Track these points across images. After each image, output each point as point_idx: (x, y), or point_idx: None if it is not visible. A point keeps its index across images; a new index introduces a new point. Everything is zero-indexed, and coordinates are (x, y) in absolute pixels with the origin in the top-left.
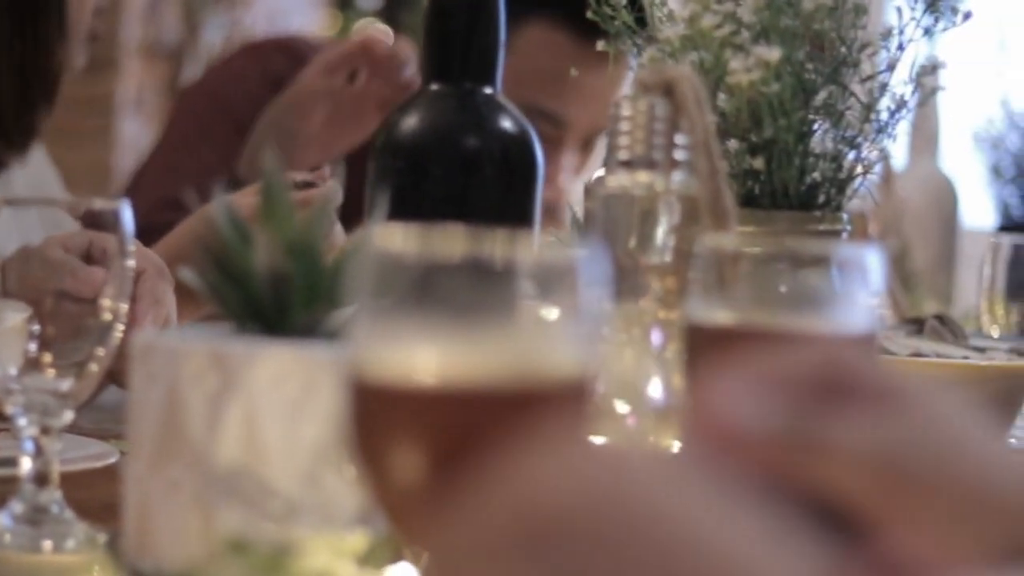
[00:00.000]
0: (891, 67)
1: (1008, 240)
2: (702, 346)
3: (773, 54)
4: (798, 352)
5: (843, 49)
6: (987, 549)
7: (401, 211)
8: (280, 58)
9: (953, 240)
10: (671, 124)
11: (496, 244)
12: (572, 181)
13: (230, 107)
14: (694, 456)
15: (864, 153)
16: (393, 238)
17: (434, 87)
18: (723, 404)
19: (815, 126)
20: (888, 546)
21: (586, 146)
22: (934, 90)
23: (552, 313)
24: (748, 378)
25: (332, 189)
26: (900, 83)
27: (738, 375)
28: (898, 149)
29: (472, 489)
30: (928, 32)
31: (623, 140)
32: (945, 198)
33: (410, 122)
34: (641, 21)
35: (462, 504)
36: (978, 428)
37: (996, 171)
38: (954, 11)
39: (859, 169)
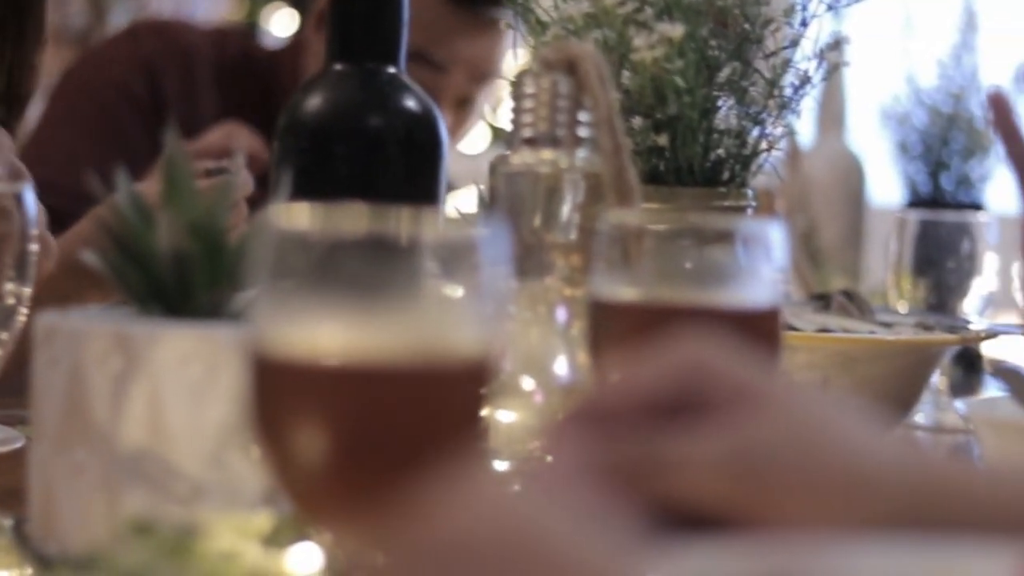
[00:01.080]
0: (794, 43)
1: (914, 216)
2: (607, 323)
3: (676, 31)
4: (657, 360)
5: (746, 25)
6: (852, 530)
7: (305, 191)
8: (152, 42)
9: (860, 216)
10: (574, 101)
11: (398, 222)
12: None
13: (95, 92)
14: (566, 489)
15: (768, 129)
16: (295, 217)
17: (337, 67)
18: (570, 445)
19: (719, 103)
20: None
21: (462, 105)
22: (838, 66)
23: (455, 291)
24: (595, 410)
25: (244, 178)
26: (804, 59)
27: (586, 409)
28: (805, 126)
29: (389, 510)
30: (832, 8)
31: (527, 118)
32: (852, 175)
33: (313, 102)
34: None
35: (382, 526)
36: (844, 418)
37: (903, 148)
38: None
39: (763, 145)
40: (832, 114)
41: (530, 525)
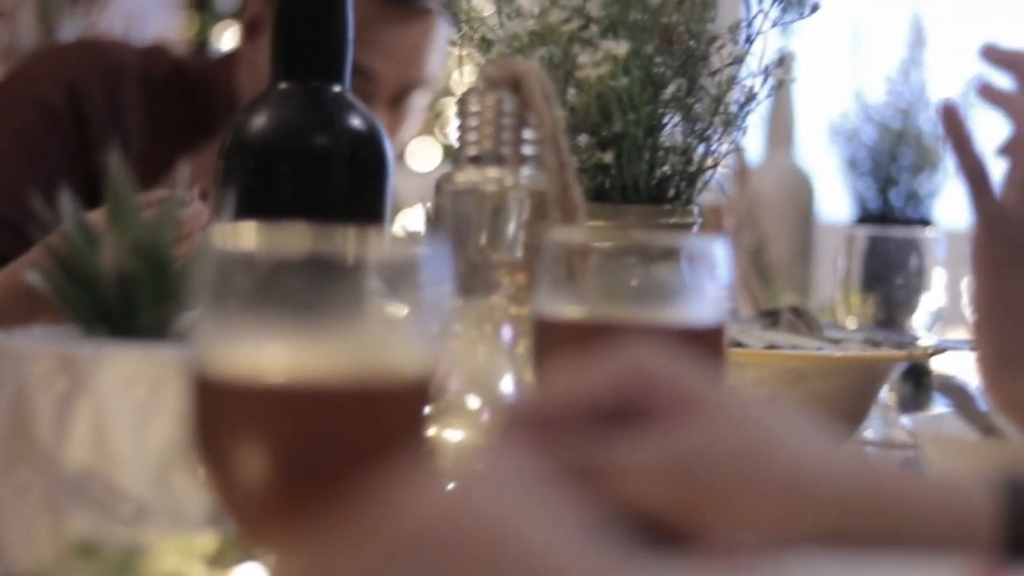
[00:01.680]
0: (739, 60)
1: (863, 232)
2: (551, 341)
3: (621, 48)
4: (601, 367)
5: (692, 42)
6: (796, 537)
7: (250, 211)
8: (78, 60)
9: (809, 232)
10: (519, 119)
11: (340, 242)
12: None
13: (16, 110)
14: (525, 476)
15: (714, 146)
16: (237, 237)
17: (282, 86)
18: (514, 451)
19: (665, 120)
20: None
21: (396, 104)
22: (783, 83)
23: (397, 310)
24: (538, 416)
25: (198, 210)
26: (750, 76)
27: (529, 415)
28: (753, 142)
29: (337, 510)
30: (777, 25)
31: (471, 136)
32: (801, 191)
33: (258, 121)
34: None
35: (329, 527)
36: (788, 426)
37: (852, 163)
38: (802, 3)
39: (709, 162)
40: (781, 130)
41: (489, 519)
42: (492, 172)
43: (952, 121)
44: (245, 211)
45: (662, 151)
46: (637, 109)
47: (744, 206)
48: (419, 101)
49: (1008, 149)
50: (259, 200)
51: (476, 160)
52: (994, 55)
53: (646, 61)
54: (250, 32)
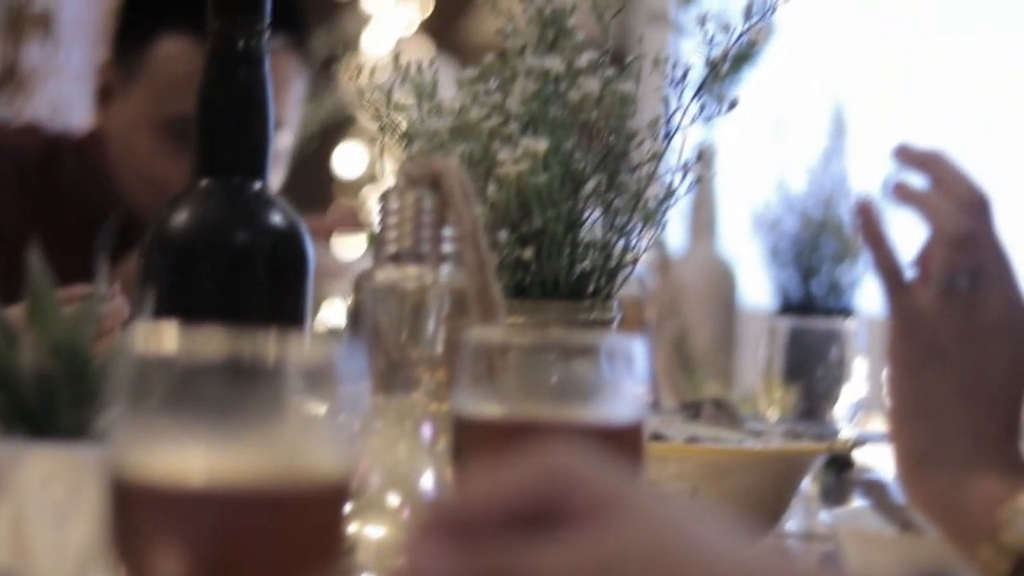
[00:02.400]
0: (658, 156)
1: (784, 323)
2: (470, 439)
3: (540, 145)
4: (517, 468)
5: (611, 138)
6: None
7: (171, 309)
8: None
9: (732, 322)
10: (439, 217)
11: (257, 345)
12: None
13: None
14: None
15: (634, 241)
16: (155, 339)
17: (204, 182)
18: (429, 555)
19: (584, 215)
20: None
21: None
22: (701, 178)
23: (315, 411)
24: (453, 519)
25: (118, 305)
26: (669, 172)
27: (445, 517)
28: (676, 232)
29: None
30: (696, 120)
31: (391, 234)
32: (724, 280)
33: (179, 218)
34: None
35: None
36: (706, 526)
37: (774, 253)
38: (720, 99)
39: (629, 257)
40: (703, 220)
41: None
42: (412, 270)
43: (868, 218)
44: (166, 309)
45: (582, 247)
46: (557, 205)
47: (667, 296)
48: (278, 144)
49: (923, 251)
50: (180, 298)
51: (396, 258)
52: (907, 155)
53: (566, 157)
54: (104, 99)
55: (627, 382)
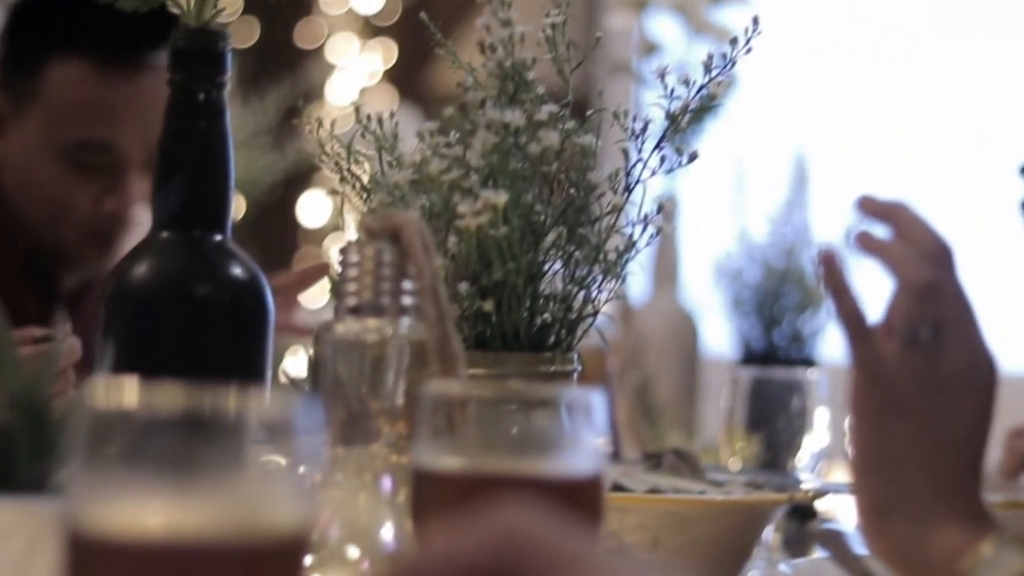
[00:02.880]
0: (618, 209)
1: (746, 373)
2: (430, 492)
3: (500, 198)
4: (474, 530)
5: (572, 191)
6: None
7: (130, 361)
8: None
9: (695, 372)
10: (399, 270)
11: (216, 398)
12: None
13: None
14: None
15: (595, 293)
16: (113, 393)
17: (163, 234)
18: None
19: (545, 267)
20: None
21: (150, 167)
22: (660, 230)
23: (274, 465)
24: None
25: (70, 346)
26: (630, 224)
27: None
28: (639, 281)
29: None
30: (657, 172)
31: (351, 286)
32: (686, 330)
33: (139, 270)
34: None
35: None
36: None
37: (736, 303)
38: (680, 151)
39: (590, 309)
40: (666, 270)
41: None
42: (372, 322)
43: (831, 268)
44: (126, 361)
45: (542, 299)
46: (517, 258)
47: (629, 346)
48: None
49: (886, 301)
50: (140, 350)
51: (356, 310)
52: (870, 206)
53: (526, 210)
54: None
55: (587, 434)
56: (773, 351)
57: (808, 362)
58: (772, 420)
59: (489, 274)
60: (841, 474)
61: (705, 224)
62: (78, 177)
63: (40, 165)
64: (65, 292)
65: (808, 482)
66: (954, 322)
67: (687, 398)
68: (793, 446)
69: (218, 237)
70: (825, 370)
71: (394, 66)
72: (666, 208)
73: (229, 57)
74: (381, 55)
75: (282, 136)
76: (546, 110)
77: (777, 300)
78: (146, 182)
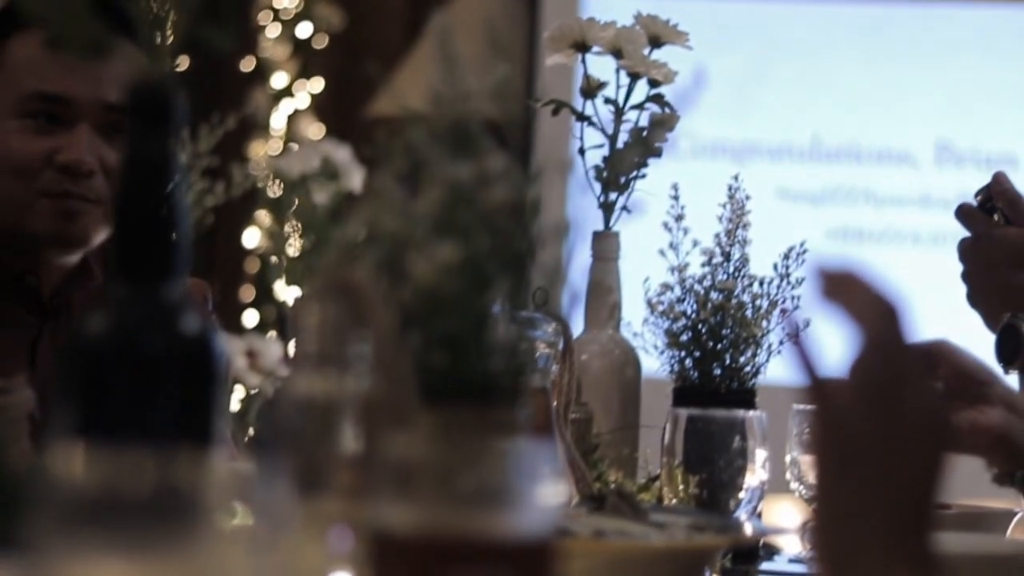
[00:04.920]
0: (567, 259)
1: (685, 413)
2: (385, 551)
3: (453, 254)
4: None
5: (522, 242)
6: None
7: (85, 417)
8: None
9: (635, 407)
10: (351, 324)
11: (174, 466)
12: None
13: None
14: None
15: (540, 332)
16: (73, 461)
17: (117, 285)
18: None
19: (493, 317)
20: None
21: (112, 132)
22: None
23: (232, 526)
24: None
25: (26, 397)
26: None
27: None
28: (577, 318)
29: None
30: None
31: (306, 341)
32: (625, 365)
33: (90, 324)
34: None
35: None
36: None
37: (673, 337)
38: (627, 210)
39: (539, 351)
40: (605, 305)
41: None
42: (325, 376)
43: (794, 333)
44: (80, 417)
45: (491, 348)
46: (468, 310)
47: (571, 382)
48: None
49: (846, 357)
50: (94, 405)
51: (310, 365)
52: (824, 279)
53: (478, 260)
54: None
55: (536, 488)
56: (710, 384)
57: (746, 393)
58: (712, 459)
59: (439, 326)
60: (779, 510)
61: (642, 258)
62: (33, 134)
63: (1, 125)
64: (48, 301)
65: (749, 523)
66: (909, 378)
67: (626, 435)
68: (733, 485)
69: (171, 288)
70: (762, 407)
71: (324, 92)
72: (605, 244)
73: (183, 110)
74: (318, 82)
75: (226, 160)
76: (494, 164)
77: (714, 335)
78: (100, 143)
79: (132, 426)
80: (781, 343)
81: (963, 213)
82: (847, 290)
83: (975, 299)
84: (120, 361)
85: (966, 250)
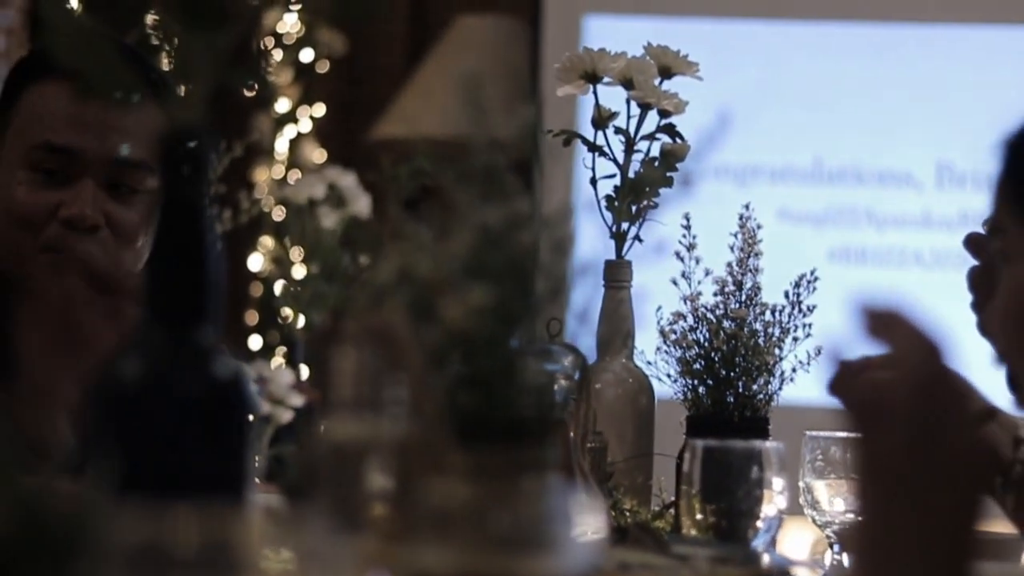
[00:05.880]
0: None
1: (702, 443)
2: None
3: (485, 298)
4: None
5: (545, 284)
6: None
7: (121, 462)
8: None
9: (650, 436)
10: (386, 368)
11: (217, 519)
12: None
13: None
14: None
15: (559, 365)
16: (119, 514)
17: (150, 330)
18: None
19: (523, 358)
20: None
21: (117, 187)
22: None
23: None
24: None
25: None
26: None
27: None
28: (590, 346)
29: None
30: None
31: (341, 386)
32: (639, 394)
33: (123, 367)
34: None
35: None
36: None
37: (686, 365)
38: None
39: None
40: (618, 334)
41: None
42: (361, 420)
43: (839, 371)
44: (117, 462)
45: (521, 389)
46: (497, 350)
47: (587, 412)
48: (151, 184)
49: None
50: (131, 450)
51: (347, 409)
52: (868, 318)
53: (507, 303)
54: None
55: (572, 526)
56: (724, 413)
57: (760, 421)
58: (730, 489)
59: (471, 368)
60: (792, 535)
61: (655, 287)
62: (40, 186)
63: (6, 176)
64: None
65: (767, 554)
66: (952, 415)
67: (641, 462)
68: (751, 514)
69: (203, 335)
70: (777, 436)
71: (324, 120)
72: (617, 272)
73: (214, 160)
74: (320, 107)
75: (233, 186)
76: (524, 207)
77: (727, 363)
78: (106, 198)
79: (168, 471)
80: (794, 371)
81: (971, 242)
82: (891, 328)
83: (987, 329)
84: (155, 405)
85: (975, 279)
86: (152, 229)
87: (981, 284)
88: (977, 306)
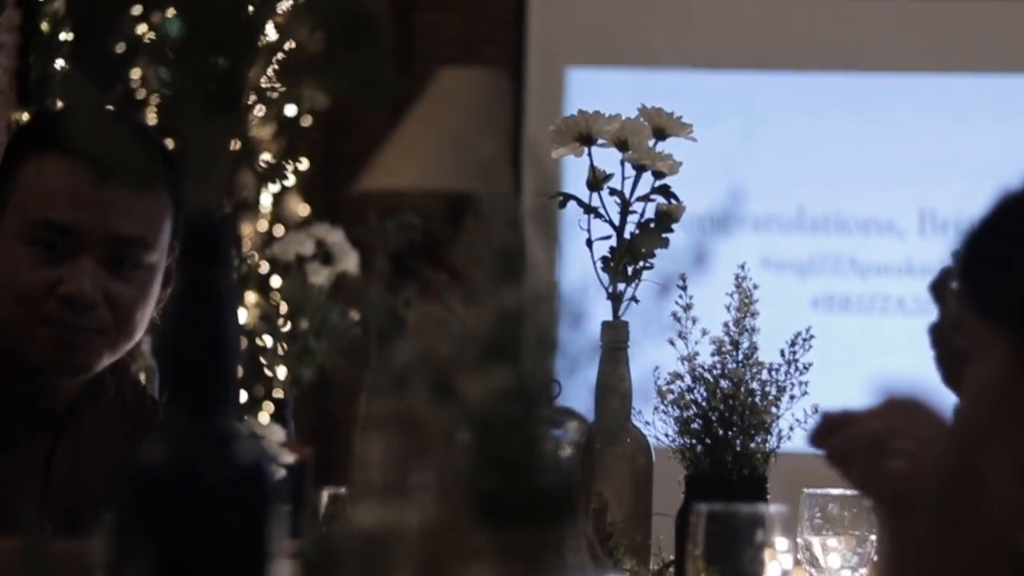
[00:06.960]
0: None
1: (705, 508)
2: None
3: (505, 375)
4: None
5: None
6: None
7: (142, 544)
8: None
9: (648, 495)
10: (410, 454)
11: None
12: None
13: None
14: None
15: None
16: None
17: (171, 415)
18: None
19: (543, 437)
20: None
21: (118, 265)
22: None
23: None
24: None
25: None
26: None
27: None
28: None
29: None
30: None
31: (368, 473)
32: (637, 454)
33: (151, 454)
34: None
35: None
36: None
37: (684, 425)
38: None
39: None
40: (616, 394)
41: None
42: (387, 506)
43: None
44: (136, 546)
45: (540, 467)
46: (519, 430)
47: (588, 472)
48: (149, 260)
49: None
50: (156, 536)
51: (373, 495)
52: (887, 405)
53: (526, 383)
54: None
55: None
56: (722, 472)
57: (758, 480)
58: (734, 552)
59: (492, 449)
60: None
61: (652, 346)
62: (38, 262)
63: (5, 250)
64: (61, 418)
65: None
66: (978, 502)
67: (640, 521)
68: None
69: (225, 418)
70: (776, 494)
71: (308, 174)
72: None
73: (232, 246)
74: (303, 163)
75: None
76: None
77: (724, 423)
78: (105, 275)
79: (194, 555)
80: (791, 429)
81: (935, 289)
82: (913, 415)
83: (951, 382)
84: (180, 491)
85: (937, 335)
86: (158, 302)
87: (942, 339)
88: (939, 360)
